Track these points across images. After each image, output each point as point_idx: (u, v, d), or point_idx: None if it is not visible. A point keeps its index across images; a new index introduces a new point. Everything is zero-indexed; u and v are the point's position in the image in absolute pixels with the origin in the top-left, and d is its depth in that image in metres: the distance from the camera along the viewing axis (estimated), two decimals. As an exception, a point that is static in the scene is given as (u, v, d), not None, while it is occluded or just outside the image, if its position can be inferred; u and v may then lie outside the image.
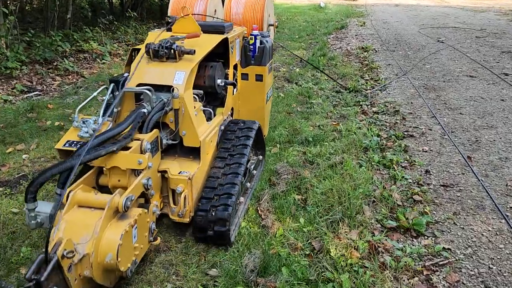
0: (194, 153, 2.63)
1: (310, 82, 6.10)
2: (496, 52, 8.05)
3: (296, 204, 2.93)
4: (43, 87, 5.79)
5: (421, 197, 3.05)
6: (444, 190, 3.17)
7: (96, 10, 10.05)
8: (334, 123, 4.51)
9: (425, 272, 2.29)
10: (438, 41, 9.33)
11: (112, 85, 2.62)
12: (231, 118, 3.25)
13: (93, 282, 1.86)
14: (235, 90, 3.32)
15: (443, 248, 2.48)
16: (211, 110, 2.96)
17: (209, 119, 2.90)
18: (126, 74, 2.70)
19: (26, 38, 6.70)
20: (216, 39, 2.95)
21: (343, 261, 2.32)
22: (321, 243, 2.50)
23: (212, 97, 3.10)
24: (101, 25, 8.69)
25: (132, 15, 10.03)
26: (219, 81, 2.98)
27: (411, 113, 4.90)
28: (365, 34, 10.60)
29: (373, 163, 3.57)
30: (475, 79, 6.27)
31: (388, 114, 4.88)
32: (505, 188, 3.18)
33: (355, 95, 5.56)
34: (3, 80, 5.68)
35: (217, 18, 4.10)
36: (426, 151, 3.87)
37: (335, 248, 2.42)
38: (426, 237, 2.61)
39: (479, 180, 3.29)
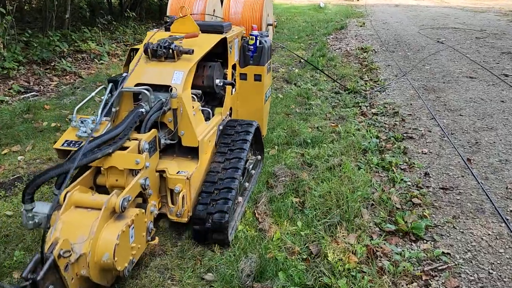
0: (192, 153, 2.63)
1: (309, 83, 6.07)
2: (496, 53, 8.02)
3: (294, 207, 2.90)
4: (40, 87, 5.76)
5: (420, 200, 3.01)
6: (444, 193, 3.14)
7: (95, 10, 10.01)
8: (333, 124, 4.48)
9: (424, 277, 2.25)
10: (438, 41, 9.30)
11: (110, 85, 2.61)
12: (229, 118, 3.25)
13: (90, 282, 1.87)
14: (233, 90, 3.31)
15: (442, 252, 2.44)
16: (209, 110, 2.95)
17: (207, 119, 2.89)
18: (124, 74, 2.69)
19: (23, 38, 6.66)
20: (214, 39, 2.95)
21: (340, 265, 2.28)
22: (319, 247, 2.47)
23: (210, 97, 3.10)
24: (99, 25, 8.66)
25: (131, 15, 10.00)
26: (217, 81, 2.98)
27: (410, 114, 4.86)
28: (364, 35, 10.57)
29: (372, 165, 3.54)
30: (475, 80, 6.23)
31: (387, 115, 4.85)
32: (505, 191, 3.15)
33: (354, 96, 5.53)
34: (0, 80, 5.65)
35: (216, 16, 4.08)
36: (425, 153, 3.83)
37: (333, 253, 2.38)
38: (425, 241, 2.57)
39: (479, 183, 3.25)
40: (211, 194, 2.52)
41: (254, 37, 3.39)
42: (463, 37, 9.77)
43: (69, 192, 1.95)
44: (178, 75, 2.53)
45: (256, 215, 2.84)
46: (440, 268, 2.33)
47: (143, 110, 2.36)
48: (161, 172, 2.42)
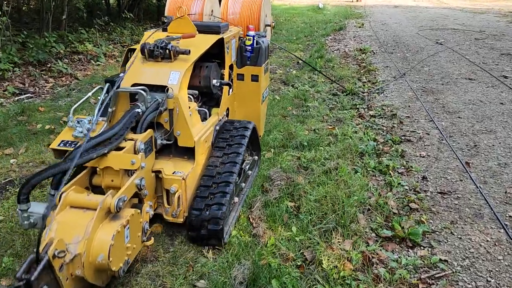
0: (189, 153, 2.63)
1: (307, 85, 6.02)
2: (495, 54, 7.97)
3: (289, 211, 2.84)
4: (35, 89, 5.70)
5: (418, 205, 2.96)
6: (442, 198, 3.09)
7: (93, 11, 9.95)
8: (330, 127, 4.43)
9: (420, 286, 2.20)
10: (437, 43, 9.25)
11: (107, 85, 2.63)
12: (226, 118, 3.25)
13: (85, 282, 1.87)
14: (230, 90, 3.31)
15: (440, 259, 2.39)
16: (206, 111, 2.95)
17: (204, 119, 2.89)
18: (121, 75, 2.70)
19: (19, 39, 6.61)
20: (211, 39, 2.95)
21: (335, 273, 2.24)
22: (313, 254, 2.42)
23: (208, 98, 3.11)
24: (96, 26, 8.61)
25: (129, 16, 9.95)
26: (214, 81, 2.98)
27: (408, 116, 4.82)
28: (363, 36, 10.53)
29: (368, 169, 3.48)
30: (474, 81, 6.19)
31: (385, 117, 4.80)
32: (504, 196, 3.10)
33: (352, 98, 5.48)
34: (-6, 82, 5.60)
35: (214, 17, 4.05)
36: (423, 157, 3.78)
37: (328, 259, 2.33)
38: (422, 247, 2.52)
39: (478, 187, 3.20)
40: (205, 199, 2.50)
41: (251, 37, 3.38)
42: (462, 38, 9.73)
43: (65, 192, 1.95)
44: (174, 76, 2.55)
45: (251, 220, 2.79)
46: (437, 276, 2.27)
47: (139, 110, 2.36)
48: (157, 173, 2.42)
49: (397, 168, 3.53)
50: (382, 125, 4.55)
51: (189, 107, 2.61)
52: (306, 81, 6.26)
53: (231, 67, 3.34)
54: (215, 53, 3.11)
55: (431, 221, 2.80)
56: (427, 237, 2.62)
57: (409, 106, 5.19)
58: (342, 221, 2.67)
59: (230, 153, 2.75)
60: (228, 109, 3.31)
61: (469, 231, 2.68)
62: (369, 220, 2.79)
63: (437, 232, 2.67)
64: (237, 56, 3.43)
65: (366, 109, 5.07)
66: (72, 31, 8.13)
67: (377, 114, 4.88)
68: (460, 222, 2.78)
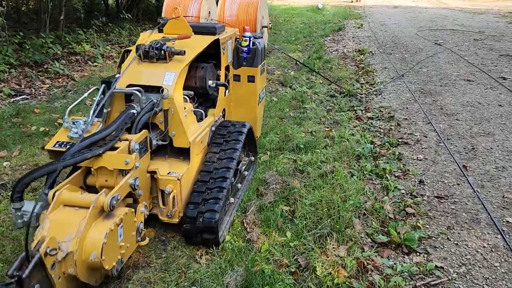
0: (184, 153, 2.62)
1: (305, 86, 5.99)
2: (494, 55, 7.93)
3: (284, 216, 2.81)
4: (31, 90, 5.67)
5: (414, 209, 2.93)
6: (438, 202, 3.05)
7: (92, 12, 9.91)
8: (327, 129, 4.39)
9: (415, 293, 2.17)
10: (435, 43, 9.22)
11: (103, 86, 2.63)
12: (223, 119, 3.24)
13: (78, 281, 1.86)
14: (227, 91, 3.31)
15: (436, 266, 2.35)
16: (202, 111, 2.95)
17: (200, 120, 2.89)
18: (118, 75, 2.71)
19: (15, 40, 6.57)
20: (207, 40, 2.96)
21: (329, 280, 2.20)
22: (308, 260, 2.38)
23: (204, 98, 3.11)
24: (94, 26, 8.57)
25: (127, 16, 9.91)
26: (210, 82, 2.99)
27: (406, 118, 4.78)
28: (362, 37, 10.49)
29: (365, 172, 3.45)
30: (472, 83, 6.15)
31: (383, 119, 4.77)
32: (502, 200, 3.06)
33: (349, 100, 5.45)
34: (-10, 83, 5.57)
35: (212, 19, 4.03)
36: (420, 160, 3.75)
37: (322, 266, 2.29)
38: (418, 253, 2.48)
39: (475, 192, 3.16)
40: (198, 205, 2.47)
41: (247, 38, 3.37)
42: (461, 39, 9.69)
43: (58, 191, 1.94)
44: (169, 76, 2.56)
45: (245, 224, 2.75)
46: (432, 283, 2.23)
47: (134, 111, 2.38)
48: (152, 173, 2.42)
49: (394, 171, 3.50)
50: (380, 127, 4.51)
51: (185, 108, 2.62)
52: (304, 82, 6.22)
53: (227, 68, 3.35)
54: (212, 54, 3.12)
55: (427, 226, 2.76)
56: (423, 243, 2.58)
57: (407, 108, 5.15)
58: (337, 226, 2.64)
59: (227, 149, 2.77)
60: (224, 110, 3.31)
61: (466, 237, 2.65)
62: (365, 225, 2.75)
63: (433, 238, 2.64)
64: (234, 57, 3.43)
65: (363, 111, 5.04)
66: (70, 31, 8.10)
67: (375, 116, 4.85)
68: (456, 228, 2.75)
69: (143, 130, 2.35)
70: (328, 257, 2.38)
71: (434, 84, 6.16)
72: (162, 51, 2.60)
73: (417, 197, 3.10)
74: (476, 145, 4.02)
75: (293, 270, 2.33)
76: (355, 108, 5.12)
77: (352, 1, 21.48)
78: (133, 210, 2.10)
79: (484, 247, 2.54)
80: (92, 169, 2.12)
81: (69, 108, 2.47)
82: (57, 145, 2.38)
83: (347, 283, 2.20)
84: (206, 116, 2.97)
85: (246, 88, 3.46)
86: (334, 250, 2.45)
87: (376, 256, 2.44)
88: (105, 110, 2.55)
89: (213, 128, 2.95)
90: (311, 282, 2.20)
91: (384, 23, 12.96)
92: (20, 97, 5.32)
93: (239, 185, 3.00)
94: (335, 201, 2.87)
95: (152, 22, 11.36)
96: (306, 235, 2.60)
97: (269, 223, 2.72)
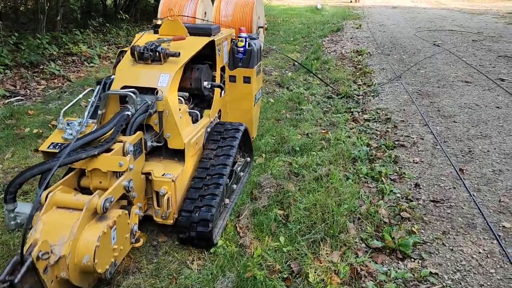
0: (179, 155, 2.62)
1: (302, 87, 5.95)
2: (493, 56, 7.90)
3: (277, 220, 2.77)
4: (26, 91, 5.63)
5: (409, 214, 2.89)
6: (434, 206, 3.02)
7: (90, 12, 9.87)
8: (323, 131, 4.36)
9: (409, 300, 2.13)
10: (434, 44, 9.18)
11: (98, 87, 2.63)
12: (218, 120, 3.23)
13: (70, 284, 1.84)
14: (222, 92, 3.30)
15: (430, 272, 2.31)
16: (197, 113, 2.94)
17: (196, 121, 2.88)
18: (113, 77, 2.71)
19: (10, 41, 6.53)
20: (202, 41, 2.95)
21: (321, 287, 2.17)
22: (300, 266, 2.35)
23: (199, 100, 3.10)
24: (91, 27, 8.53)
25: (124, 17, 9.87)
26: (205, 83, 2.98)
27: (403, 121, 4.75)
28: (360, 37, 10.46)
29: (360, 175, 3.41)
30: (470, 84, 6.12)
31: (380, 121, 4.73)
32: (498, 205, 3.03)
33: (346, 101, 5.41)
34: (-15, 84, 5.52)
35: (207, 20, 4.00)
36: (416, 163, 3.71)
37: (314, 272, 2.26)
38: (412, 259, 2.45)
39: (471, 195, 3.13)
40: (195, 201, 2.48)
41: (243, 39, 3.34)
42: (459, 40, 9.66)
43: (51, 192, 1.93)
44: (164, 78, 2.56)
45: (238, 229, 2.72)
46: (426, 290, 2.21)
47: (129, 113, 2.37)
48: (147, 175, 2.41)
49: (390, 174, 3.47)
50: (376, 130, 4.48)
51: (180, 109, 2.61)
52: (301, 84, 6.19)
53: (223, 69, 3.33)
54: (207, 55, 3.11)
55: (422, 231, 2.73)
56: (418, 248, 2.55)
57: (404, 109, 5.12)
58: (331, 231, 2.61)
59: (224, 146, 2.76)
60: (220, 111, 3.30)
61: (461, 242, 2.61)
62: (359, 229, 2.72)
63: (428, 243, 2.60)
64: (229, 58, 3.42)
65: (360, 113, 5.00)
66: (67, 32, 8.06)
67: (371, 118, 4.81)
68: (452, 233, 2.71)
69: (138, 132, 2.34)
70: (321, 263, 2.35)
71: (431, 85, 6.12)
72: (157, 53, 2.59)
73: (412, 201, 3.07)
74: (473, 148, 3.99)
75: (285, 276, 2.30)
76: (351, 110, 5.09)
77: (351, 1, 21.45)
78: (126, 212, 2.09)
79: (479, 252, 2.51)
80: (86, 170, 2.11)
81: (63, 110, 2.47)
82: (51, 147, 2.38)
83: (339, 290, 2.17)
84: (201, 117, 2.96)
85: (242, 89, 3.45)
86: (327, 256, 2.41)
87: (370, 262, 2.41)
88: (99, 112, 2.55)
89: (209, 129, 2.93)
90: (303, 289, 2.17)
91: (383, 24, 12.93)
92: (15, 98, 5.28)
93: (234, 186, 2.98)
94: (330, 205, 2.84)
95: (150, 22, 11.31)
96: (300, 240, 2.56)
97: (263, 228, 2.69)
